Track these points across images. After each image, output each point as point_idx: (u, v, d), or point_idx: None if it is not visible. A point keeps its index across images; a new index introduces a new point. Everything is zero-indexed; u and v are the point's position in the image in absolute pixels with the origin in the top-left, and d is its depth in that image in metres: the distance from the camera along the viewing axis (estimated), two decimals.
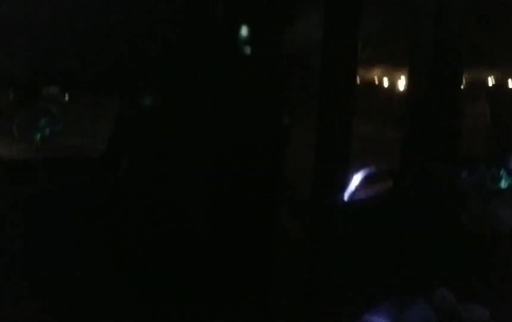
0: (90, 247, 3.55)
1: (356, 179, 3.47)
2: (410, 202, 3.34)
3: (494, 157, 2.70)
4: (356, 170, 3.59)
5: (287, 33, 4.55)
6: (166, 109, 4.22)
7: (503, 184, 2.62)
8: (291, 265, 3.89)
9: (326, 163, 4.15)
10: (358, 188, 3.40)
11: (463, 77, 5.49)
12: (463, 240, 2.83)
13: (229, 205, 4.07)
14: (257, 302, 3.62)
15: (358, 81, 4.65)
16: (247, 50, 4.28)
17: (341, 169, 3.74)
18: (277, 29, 4.45)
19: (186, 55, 4.11)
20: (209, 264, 3.73)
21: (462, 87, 4.32)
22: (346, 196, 3.39)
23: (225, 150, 4.14)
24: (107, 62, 4.35)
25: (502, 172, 2.62)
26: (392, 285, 3.21)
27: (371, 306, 3.08)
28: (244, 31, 4.26)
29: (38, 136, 4.64)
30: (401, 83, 5.03)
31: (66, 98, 4.87)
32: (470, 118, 7.11)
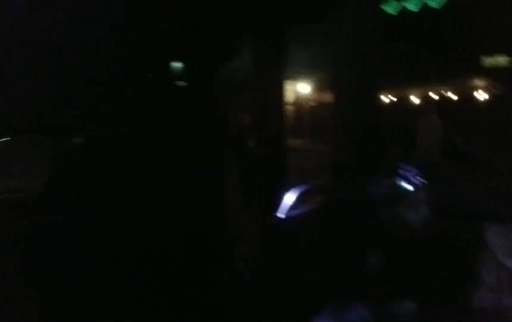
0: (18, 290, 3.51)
1: (292, 195, 3.63)
2: (341, 213, 3.58)
3: (395, 167, 3.03)
4: (292, 187, 3.75)
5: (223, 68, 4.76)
6: (104, 149, 4.24)
7: (404, 191, 2.97)
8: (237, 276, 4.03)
9: (263, 182, 4.34)
10: (294, 203, 3.57)
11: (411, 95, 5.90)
12: (386, 243, 3.10)
13: (176, 237, 4.14)
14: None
15: (293, 107, 4.93)
16: (183, 87, 4.42)
17: (277, 187, 3.92)
18: (212, 64, 4.66)
19: (123, 97, 4.19)
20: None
21: (383, 109, 4.58)
22: (283, 211, 3.54)
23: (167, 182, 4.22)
24: (42, 105, 4.35)
25: (402, 181, 2.96)
26: (332, 291, 3.38)
27: (313, 312, 3.23)
28: (180, 68, 4.41)
29: None
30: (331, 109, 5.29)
31: None
32: (423, 132, 7.57)
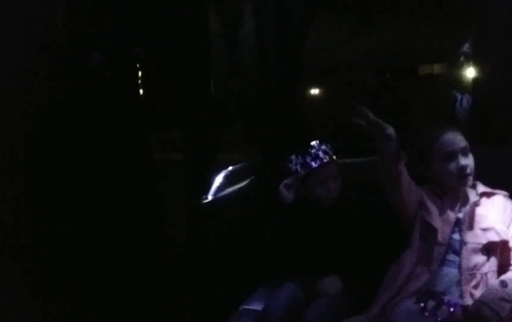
0: None
1: (220, 176, 3.64)
2: (269, 191, 3.62)
3: (307, 144, 3.12)
4: (221, 169, 3.75)
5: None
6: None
7: (320, 161, 3.06)
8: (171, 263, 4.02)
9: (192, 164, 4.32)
10: (222, 184, 3.57)
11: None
12: (305, 219, 3.18)
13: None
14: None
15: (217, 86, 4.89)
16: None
17: (206, 169, 3.90)
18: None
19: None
20: None
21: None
22: (211, 193, 3.54)
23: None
24: None
25: (311, 156, 3.05)
26: (263, 270, 3.44)
27: (243, 293, 3.27)
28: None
29: None
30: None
31: None
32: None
